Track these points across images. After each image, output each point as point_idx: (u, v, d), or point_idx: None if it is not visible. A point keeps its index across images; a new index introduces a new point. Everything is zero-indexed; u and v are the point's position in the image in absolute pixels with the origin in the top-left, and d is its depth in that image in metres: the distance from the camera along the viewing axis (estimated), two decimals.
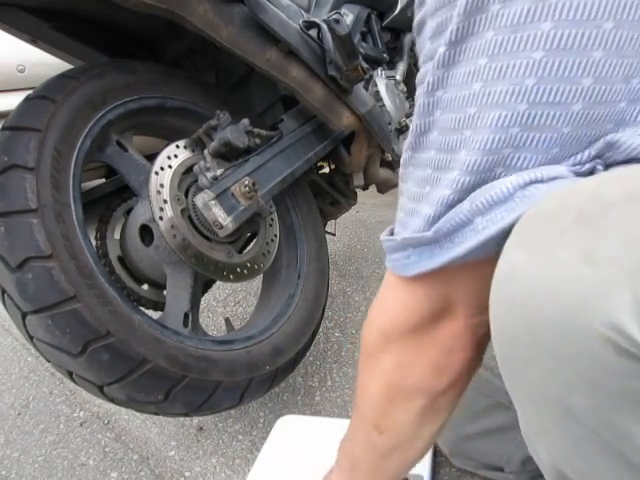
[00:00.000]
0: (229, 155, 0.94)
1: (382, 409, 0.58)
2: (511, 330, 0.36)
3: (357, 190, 1.42)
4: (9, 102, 1.50)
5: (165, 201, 0.86)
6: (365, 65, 1.00)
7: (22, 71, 1.71)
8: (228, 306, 1.64)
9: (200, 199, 0.87)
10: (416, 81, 0.50)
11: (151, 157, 0.92)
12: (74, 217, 0.76)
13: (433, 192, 0.44)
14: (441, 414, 0.57)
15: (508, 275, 0.37)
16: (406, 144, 0.49)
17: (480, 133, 0.40)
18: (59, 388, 1.31)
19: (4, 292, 0.71)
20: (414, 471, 0.77)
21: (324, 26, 0.96)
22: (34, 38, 0.99)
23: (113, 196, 1.01)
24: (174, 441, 1.06)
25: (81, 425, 1.18)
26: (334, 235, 1.63)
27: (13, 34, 0.96)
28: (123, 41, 1.08)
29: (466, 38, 0.40)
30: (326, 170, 1.39)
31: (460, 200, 0.42)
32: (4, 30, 0.94)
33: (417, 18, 0.47)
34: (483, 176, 0.41)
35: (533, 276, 0.34)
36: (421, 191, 0.46)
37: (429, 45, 0.44)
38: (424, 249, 0.45)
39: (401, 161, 0.51)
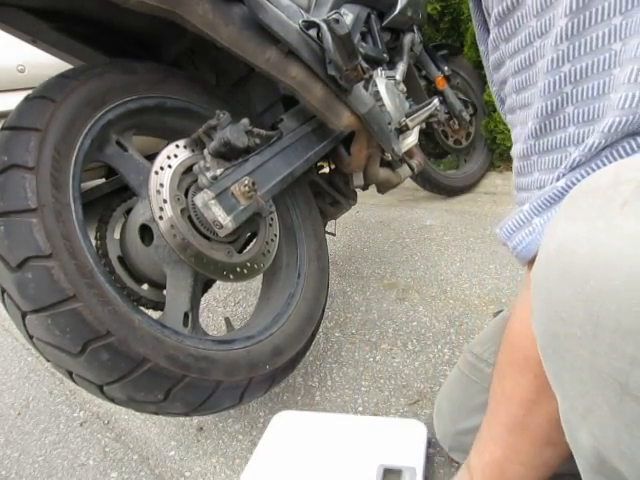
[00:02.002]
0: (229, 155, 0.94)
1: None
2: (565, 305, 0.35)
3: (357, 190, 1.42)
4: (9, 102, 1.50)
5: (165, 200, 0.86)
6: (365, 65, 1.00)
7: (22, 71, 1.72)
8: (228, 306, 1.64)
9: (200, 199, 0.87)
10: (492, 67, 0.50)
11: (151, 157, 0.92)
12: (74, 217, 0.76)
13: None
14: None
15: (562, 248, 0.35)
16: (523, 136, 0.48)
17: (624, 90, 0.39)
18: (59, 388, 1.31)
19: (4, 292, 0.71)
20: (407, 464, 0.82)
21: (324, 26, 0.96)
22: (34, 38, 0.99)
23: (113, 196, 1.02)
24: (174, 441, 1.06)
25: (81, 425, 1.18)
26: (334, 235, 1.63)
27: (13, 34, 0.96)
28: (123, 41, 1.08)
29: (590, 3, 0.40)
30: (326, 170, 1.39)
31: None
32: (4, 30, 0.94)
33: None
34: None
35: (594, 248, 0.32)
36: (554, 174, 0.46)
37: (534, 22, 0.44)
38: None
39: (516, 154, 0.50)
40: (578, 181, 0.43)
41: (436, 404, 0.88)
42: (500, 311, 0.84)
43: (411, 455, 0.83)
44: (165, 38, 1.09)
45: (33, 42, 1.00)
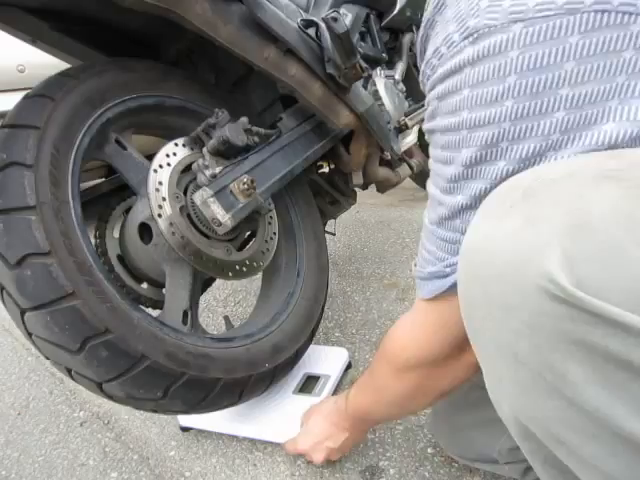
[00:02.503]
0: (228, 153, 0.94)
1: (403, 401, 0.73)
2: (470, 291, 0.42)
3: (357, 190, 1.42)
4: (9, 102, 1.51)
5: (164, 199, 0.86)
6: (364, 64, 1.00)
7: (22, 71, 1.71)
8: (228, 306, 1.64)
9: (199, 196, 0.87)
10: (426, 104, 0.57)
11: (150, 157, 0.92)
12: (73, 214, 0.76)
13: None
14: None
15: (468, 245, 0.42)
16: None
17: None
18: (59, 388, 1.31)
19: (3, 289, 0.71)
20: (325, 372, 1.09)
21: (322, 24, 0.96)
22: (34, 38, 0.99)
23: (112, 195, 1.02)
24: (174, 441, 1.06)
25: (81, 425, 1.18)
26: (334, 235, 1.63)
27: (13, 34, 0.97)
28: (123, 41, 1.08)
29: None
30: (325, 170, 1.40)
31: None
32: (4, 30, 0.94)
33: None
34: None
35: (484, 241, 0.40)
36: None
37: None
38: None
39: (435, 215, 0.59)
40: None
41: (433, 405, 0.89)
42: None
43: (329, 369, 1.10)
44: (164, 37, 1.09)
45: (33, 42, 1.01)
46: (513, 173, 0.46)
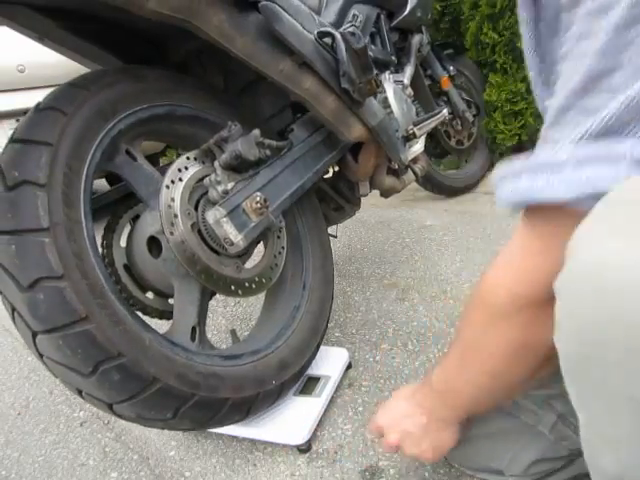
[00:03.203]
0: (240, 167, 0.93)
1: (501, 364, 0.58)
2: (601, 328, 0.33)
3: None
4: (9, 102, 1.48)
5: (176, 215, 0.85)
6: (379, 79, 0.98)
7: (22, 71, 1.67)
8: (228, 306, 1.63)
9: (211, 216, 0.86)
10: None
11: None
12: (85, 234, 0.75)
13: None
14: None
15: (597, 263, 0.33)
16: (566, 91, 0.43)
17: None
18: (59, 388, 1.31)
19: (14, 310, 0.70)
20: (325, 373, 1.09)
21: (339, 37, 0.94)
22: (40, 36, 0.96)
23: (119, 203, 1.00)
24: (174, 441, 1.06)
25: (81, 425, 1.18)
26: (335, 237, 1.62)
27: (20, 32, 0.94)
28: (131, 40, 1.06)
29: None
30: (330, 175, 1.38)
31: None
32: (11, 27, 0.92)
33: None
34: None
35: (634, 268, 0.31)
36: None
37: None
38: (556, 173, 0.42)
39: (553, 114, 0.46)
40: (579, 163, 0.40)
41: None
42: None
43: (330, 369, 1.10)
44: (174, 38, 1.06)
45: (40, 40, 0.98)
46: None
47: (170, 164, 0.90)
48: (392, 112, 1.27)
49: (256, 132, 0.94)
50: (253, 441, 1.01)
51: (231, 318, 1.55)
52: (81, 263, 0.72)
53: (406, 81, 1.45)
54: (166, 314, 0.96)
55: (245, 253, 0.97)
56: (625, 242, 0.32)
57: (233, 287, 0.91)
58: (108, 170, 0.89)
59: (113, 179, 2.65)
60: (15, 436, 1.16)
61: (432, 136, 2.12)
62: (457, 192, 2.27)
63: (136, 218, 0.96)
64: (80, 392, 0.75)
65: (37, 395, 1.30)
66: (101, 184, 3.09)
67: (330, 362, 1.13)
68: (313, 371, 1.10)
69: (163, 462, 1.02)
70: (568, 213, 0.41)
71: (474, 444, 0.79)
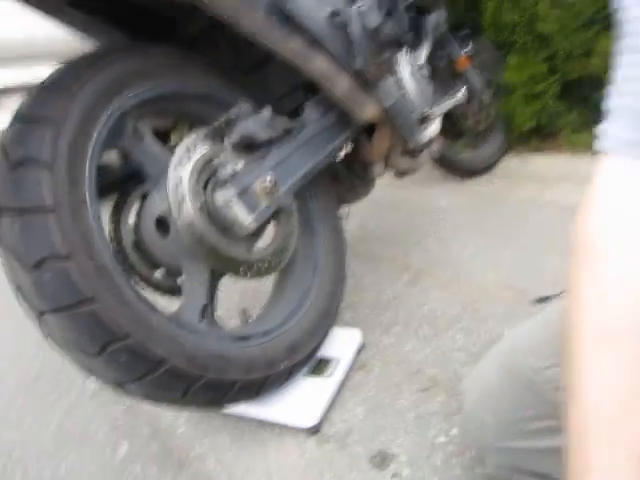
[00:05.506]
0: (250, 147, 0.91)
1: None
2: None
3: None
4: (14, 77, 1.47)
5: (184, 196, 0.83)
6: (393, 60, 0.94)
7: (29, 44, 1.65)
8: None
9: (221, 197, 0.85)
10: None
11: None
12: (90, 214, 0.74)
13: None
14: None
15: None
16: None
17: None
18: None
19: (19, 289, 0.70)
20: (336, 355, 1.08)
21: (353, 15, 0.90)
22: (48, 13, 0.94)
23: (128, 180, 0.98)
24: (183, 418, 1.06)
25: (92, 395, 1.19)
26: (344, 219, 1.59)
27: (27, 6, 0.92)
28: (140, 18, 1.03)
29: None
30: (344, 155, 1.35)
31: None
32: (21, 4, 0.89)
33: None
34: None
35: None
36: None
37: None
38: None
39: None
40: None
41: (474, 406, 0.73)
42: (545, 298, 0.69)
43: (342, 351, 1.09)
44: (185, 14, 1.04)
45: (50, 17, 0.96)
46: None
47: (179, 143, 0.89)
48: (407, 93, 1.23)
49: (266, 112, 0.92)
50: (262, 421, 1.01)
51: (234, 291, 1.50)
52: (87, 243, 0.71)
53: (422, 61, 1.41)
54: (174, 291, 0.95)
55: (255, 234, 0.95)
56: None
57: (242, 269, 0.90)
58: (115, 148, 0.87)
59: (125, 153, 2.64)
60: (30, 402, 1.18)
61: (448, 117, 2.07)
62: (473, 173, 2.22)
63: (145, 195, 0.95)
64: (90, 371, 0.75)
65: (51, 364, 1.31)
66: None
67: (343, 343, 1.11)
68: (325, 352, 1.08)
69: (173, 436, 1.02)
70: None
71: (519, 457, 0.67)
